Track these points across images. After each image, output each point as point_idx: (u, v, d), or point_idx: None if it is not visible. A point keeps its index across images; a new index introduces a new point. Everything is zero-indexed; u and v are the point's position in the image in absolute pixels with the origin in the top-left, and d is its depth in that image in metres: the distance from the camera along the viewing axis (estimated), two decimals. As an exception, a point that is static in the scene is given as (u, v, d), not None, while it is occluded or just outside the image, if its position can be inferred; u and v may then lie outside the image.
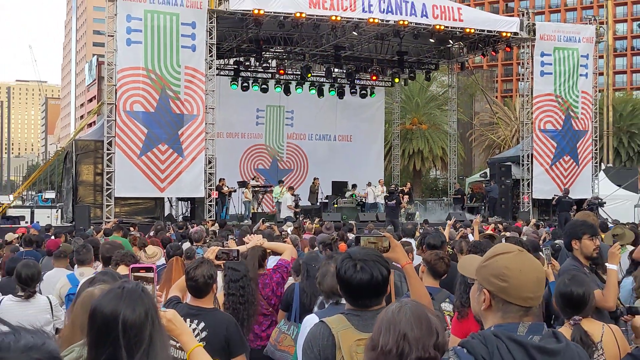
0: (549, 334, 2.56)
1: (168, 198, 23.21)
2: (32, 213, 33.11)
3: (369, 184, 28.83)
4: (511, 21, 26.76)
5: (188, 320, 4.48)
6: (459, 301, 4.87)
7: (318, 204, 26.93)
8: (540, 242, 11.07)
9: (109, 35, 21.58)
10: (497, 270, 2.55)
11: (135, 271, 3.16)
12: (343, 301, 3.54)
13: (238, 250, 5.79)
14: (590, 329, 3.86)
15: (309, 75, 29.64)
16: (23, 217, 28.50)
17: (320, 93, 30.80)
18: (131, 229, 15.62)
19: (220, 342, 4.33)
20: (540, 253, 6.31)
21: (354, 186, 28.18)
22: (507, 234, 12.22)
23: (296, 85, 30.20)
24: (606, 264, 5.26)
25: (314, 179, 28.52)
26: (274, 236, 10.26)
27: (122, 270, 6.04)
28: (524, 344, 2.45)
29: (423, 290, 3.92)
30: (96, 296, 2.58)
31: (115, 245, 7.47)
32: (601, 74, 30.03)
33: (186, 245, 10.03)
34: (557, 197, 25.58)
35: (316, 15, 22.83)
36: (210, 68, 22.24)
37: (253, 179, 27.14)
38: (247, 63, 28.74)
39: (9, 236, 12.42)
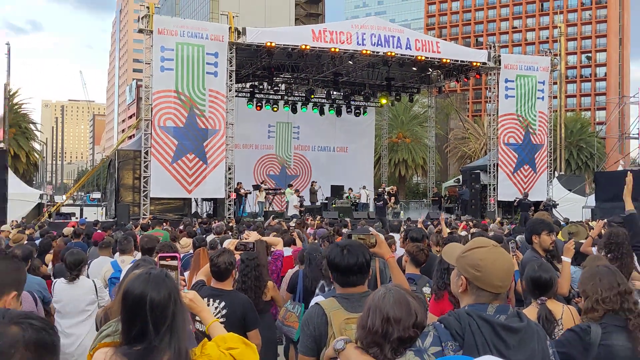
0: (513, 314, 2.56)
1: (194, 198, 23.16)
2: (81, 210, 33.11)
3: (363, 187, 28.96)
4: (480, 53, 26.76)
5: (211, 299, 4.47)
6: (436, 285, 4.88)
7: (318, 203, 26.88)
8: (505, 236, 11.09)
9: (146, 63, 21.64)
10: (473, 261, 2.56)
11: (162, 259, 3.16)
12: None
13: (254, 243, 5.80)
14: (553, 308, 3.90)
15: (312, 97, 29.58)
16: (73, 214, 28.52)
17: (322, 112, 30.76)
18: (164, 224, 15.62)
19: (237, 319, 4.32)
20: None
21: (350, 189, 28.23)
22: (474, 230, 12.22)
23: (301, 105, 30.15)
24: (562, 256, 5.28)
25: (312, 182, 28.57)
26: (282, 230, 10.25)
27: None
28: (491, 322, 2.47)
29: (402, 278, 3.95)
30: (133, 279, 2.58)
31: (152, 238, 7.44)
32: (555, 97, 30.01)
33: (210, 237, 9.99)
34: (518, 200, 25.57)
35: (318, 47, 22.86)
36: (230, 90, 22.19)
37: (262, 183, 27.17)
38: (261, 86, 28.71)
39: (67, 230, 12.39)
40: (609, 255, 5.41)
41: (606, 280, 3.38)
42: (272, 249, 6.96)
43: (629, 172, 6.47)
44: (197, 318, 2.85)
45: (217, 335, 2.71)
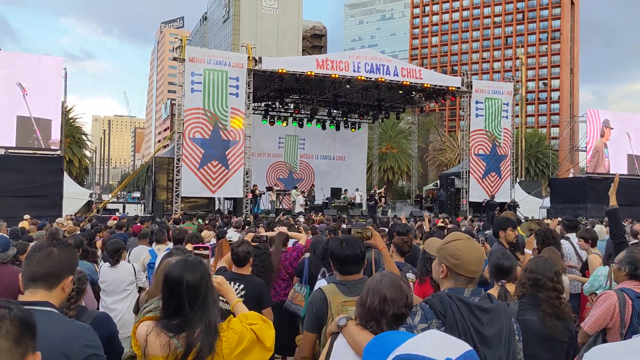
0: (485, 296, 2.58)
1: (217, 197, 23.13)
2: (124, 207, 33.07)
3: (357, 190, 28.99)
4: (455, 79, 26.71)
5: (232, 282, 4.47)
6: (420, 271, 4.89)
7: (315, 203, 26.89)
8: (475, 231, 11.10)
9: (179, 85, 21.74)
10: (452, 251, 2.58)
11: (196, 249, 3.22)
12: None
13: (267, 236, 5.82)
14: (510, 290, 3.91)
15: (316, 114, 29.67)
16: (117, 210, 28.49)
17: (324, 127, 30.75)
18: (193, 219, 15.64)
19: (254, 298, 4.31)
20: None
21: (346, 191, 28.23)
22: (450, 225, 12.22)
23: (307, 121, 30.13)
24: (525, 249, 5.30)
25: (311, 186, 28.73)
26: (290, 225, 10.23)
27: (189, 247, 6.04)
28: (468, 303, 2.49)
29: (394, 265, 3.99)
30: (172, 264, 2.61)
31: (182, 230, 7.48)
32: (517, 116, 30.02)
33: (230, 231, 9.97)
34: (486, 201, 25.53)
35: (321, 74, 22.87)
36: (248, 108, 22.20)
37: (275, 186, 27.24)
38: (273, 105, 28.71)
39: (111, 223, 12.44)
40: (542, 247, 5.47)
41: (537, 264, 3.48)
42: (296, 241, 6.96)
43: (617, 174, 6.44)
44: (222, 298, 2.85)
45: (240, 313, 2.71)
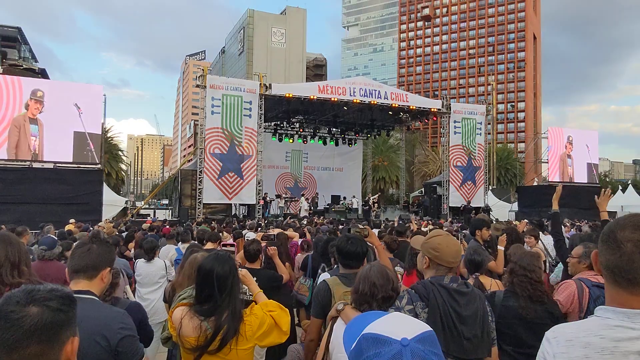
0: (462, 283, 2.61)
1: (233, 204, 23.13)
2: (154, 212, 33.16)
3: (354, 197, 28.96)
4: (436, 102, 26.76)
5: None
6: (407, 264, 4.89)
7: (318, 208, 26.86)
8: (454, 231, 11.09)
9: (201, 109, 21.72)
10: (433, 245, 2.60)
11: (224, 246, 3.26)
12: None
13: (275, 235, 5.83)
14: (484, 281, 3.92)
15: (318, 132, 29.72)
16: (149, 215, 28.52)
17: (325, 143, 30.76)
18: (212, 223, 15.61)
19: (266, 289, 4.29)
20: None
21: (344, 198, 28.23)
22: (431, 226, 12.21)
23: (310, 138, 30.12)
24: (498, 246, 5.29)
25: (314, 194, 28.62)
26: (296, 227, 10.23)
27: (209, 245, 6.05)
28: (447, 288, 2.51)
29: (387, 259, 4.05)
30: (197, 259, 2.63)
31: (204, 231, 7.53)
32: (489, 133, 30.05)
33: (245, 231, 9.96)
34: (463, 206, 25.55)
35: (322, 98, 22.92)
36: (259, 127, 22.22)
37: (284, 194, 27.23)
38: (281, 125, 28.76)
39: (144, 226, 12.44)
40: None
41: (526, 258, 3.42)
42: (291, 239, 7.03)
43: (560, 184, 6.44)
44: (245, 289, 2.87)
45: (261, 301, 2.72)
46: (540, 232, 7.38)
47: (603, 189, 4.97)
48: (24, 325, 1.19)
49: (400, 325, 1.22)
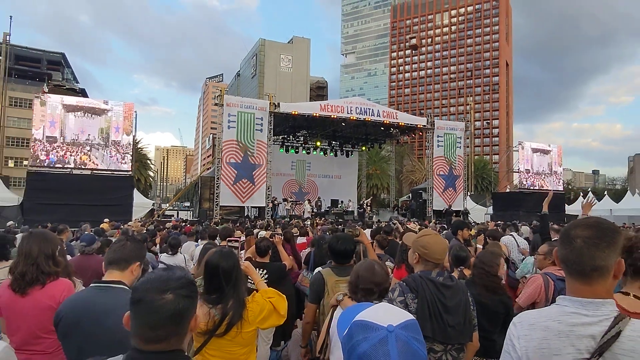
0: (447, 276, 2.57)
1: (246, 206, 23.10)
2: (177, 213, 32.97)
3: (350, 201, 28.87)
4: (422, 119, 26.65)
5: (258, 269, 4.46)
6: (397, 260, 4.86)
7: (321, 210, 26.77)
8: (437, 231, 11.06)
9: (218, 124, 21.79)
10: (423, 243, 2.57)
11: (229, 242, 3.22)
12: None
13: (282, 233, 5.81)
14: (467, 273, 3.89)
15: (319, 145, 29.65)
16: (173, 215, 28.43)
17: (325, 153, 30.62)
18: (229, 222, 15.58)
19: (275, 279, 4.30)
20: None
21: (342, 202, 28.15)
22: (419, 226, 12.17)
23: (312, 150, 30.02)
24: (477, 244, 5.29)
25: (317, 199, 28.36)
26: (300, 227, 10.20)
27: (223, 242, 6.04)
28: (435, 281, 2.49)
29: (375, 256, 4.00)
30: (211, 254, 2.60)
31: (216, 229, 7.51)
32: (468, 146, 30.01)
33: (256, 230, 9.93)
34: (445, 209, 25.44)
35: (324, 115, 22.81)
36: (269, 140, 22.15)
37: (290, 198, 27.15)
38: (288, 138, 28.72)
39: (169, 225, 12.44)
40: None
41: (487, 255, 3.44)
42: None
43: (551, 191, 6.36)
44: (250, 279, 2.86)
45: (261, 289, 2.71)
46: (515, 231, 7.38)
47: (589, 198, 4.95)
48: (164, 311, 1.30)
49: (387, 314, 1.23)
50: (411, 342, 1.16)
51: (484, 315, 3.10)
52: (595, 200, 5.03)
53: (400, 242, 5.13)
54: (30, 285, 2.58)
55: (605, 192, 39.82)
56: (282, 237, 5.28)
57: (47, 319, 2.48)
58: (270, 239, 4.87)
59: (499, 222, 8.99)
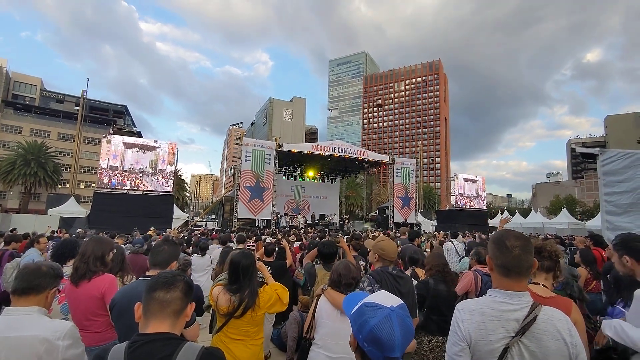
0: (400, 270, 2.54)
1: (257, 218, 22.83)
2: (206, 224, 32.31)
3: (334, 214, 28.67)
4: (385, 157, 26.75)
5: (266, 266, 4.36)
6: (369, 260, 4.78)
7: (313, 222, 26.38)
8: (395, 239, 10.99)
9: (238, 158, 21.69)
10: (380, 246, 2.56)
11: (249, 246, 3.17)
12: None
13: (281, 240, 5.71)
14: (419, 272, 3.83)
15: (312, 174, 29.67)
16: (202, 225, 27.90)
17: (316, 180, 30.58)
18: (243, 231, 15.32)
19: (278, 274, 4.20)
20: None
21: (328, 216, 27.93)
22: (381, 235, 12.09)
23: (307, 178, 30.04)
24: (427, 249, 5.24)
25: (312, 214, 28.23)
26: (297, 234, 10.03)
27: (240, 245, 5.91)
28: (391, 274, 2.47)
29: (351, 257, 3.91)
30: (235, 254, 2.55)
31: (227, 235, 7.36)
32: (418, 177, 30.29)
33: (264, 237, 9.78)
34: (403, 222, 25.41)
35: (315, 153, 22.97)
36: (275, 170, 22.14)
37: (290, 212, 26.84)
38: (289, 169, 28.69)
39: (198, 232, 12.16)
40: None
41: (436, 257, 3.36)
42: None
43: (507, 218, 5.96)
44: (260, 275, 2.80)
45: (270, 283, 2.66)
46: (454, 239, 7.32)
47: (505, 215, 4.90)
48: (177, 289, 1.48)
49: (388, 298, 1.27)
50: (405, 319, 1.22)
51: (444, 304, 2.99)
52: (510, 217, 5.04)
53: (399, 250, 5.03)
54: (81, 278, 2.49)
55: (517, 211, 40.30)
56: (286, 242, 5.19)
57: (94, 305, 2.41)
58: (280, 243, 4.80)
59: (447, 232, 8.99)
